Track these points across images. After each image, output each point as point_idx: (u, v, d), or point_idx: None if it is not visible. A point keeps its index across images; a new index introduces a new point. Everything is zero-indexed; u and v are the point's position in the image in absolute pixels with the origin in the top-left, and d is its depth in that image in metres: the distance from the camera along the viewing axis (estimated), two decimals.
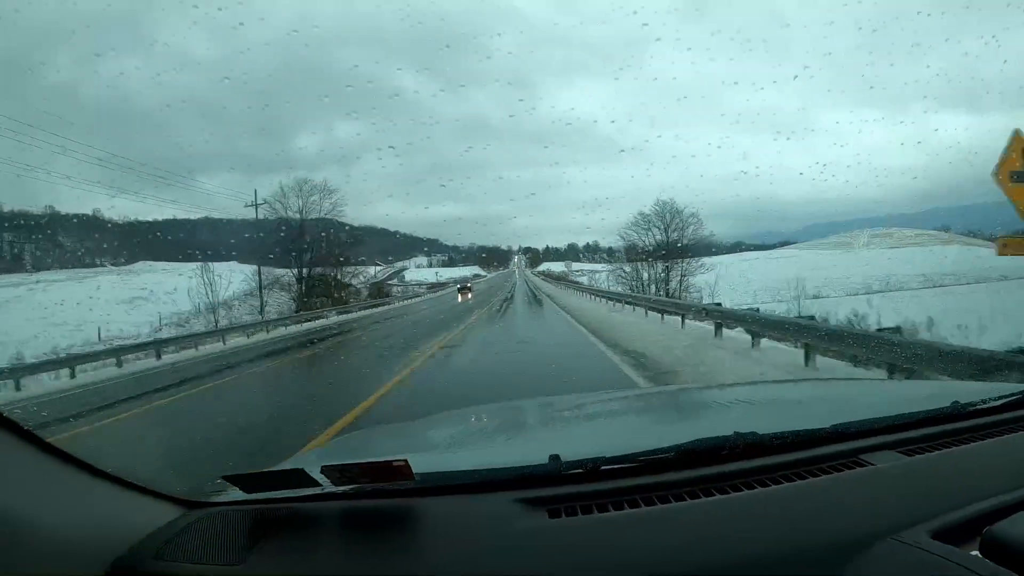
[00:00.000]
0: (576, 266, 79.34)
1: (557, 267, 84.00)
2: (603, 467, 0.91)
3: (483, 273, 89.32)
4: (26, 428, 0.75)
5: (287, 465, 1.16)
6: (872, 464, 0.92)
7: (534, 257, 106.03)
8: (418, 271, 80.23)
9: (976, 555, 0.66)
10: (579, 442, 1.30)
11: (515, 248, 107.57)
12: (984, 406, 1.14)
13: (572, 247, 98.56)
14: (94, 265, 43.58)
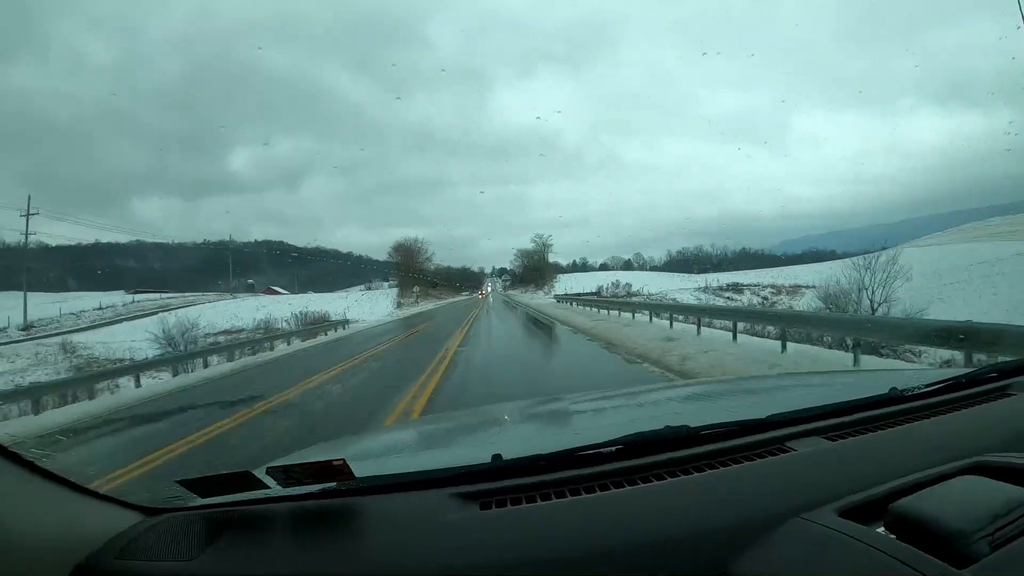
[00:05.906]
0: (622, 276, 53.06)
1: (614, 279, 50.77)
2: (541, 463, 0.96)
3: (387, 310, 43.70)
4: None
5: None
6: (795, 450, 0.97)
7: (541, 268, 71.94)
8: (234, 303, 45.12)
9: (881, 532, 0.69)
10: (524, 442, 1.36)
11: (487, 270, 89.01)
12: (919, 391, 1.18)
13: (555, 265, 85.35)
14: None
